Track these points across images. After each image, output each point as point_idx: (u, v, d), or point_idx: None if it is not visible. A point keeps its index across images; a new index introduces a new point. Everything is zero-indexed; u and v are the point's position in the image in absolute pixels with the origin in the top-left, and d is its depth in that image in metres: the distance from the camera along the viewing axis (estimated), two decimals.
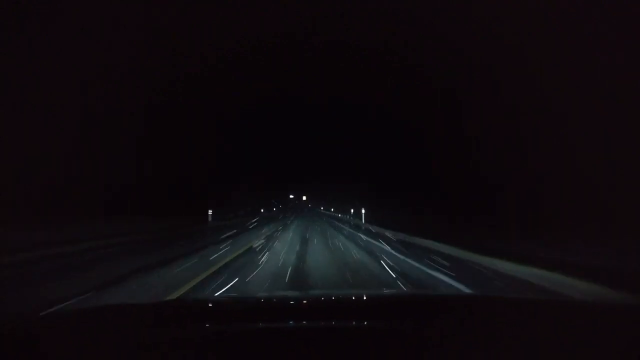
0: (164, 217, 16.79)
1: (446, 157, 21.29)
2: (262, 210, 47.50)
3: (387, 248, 10.08)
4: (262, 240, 11.62)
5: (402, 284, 5.14)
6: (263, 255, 8.07)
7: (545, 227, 10.86)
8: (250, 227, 19.96)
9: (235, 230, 15.95)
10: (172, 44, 20.41)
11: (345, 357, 0.88)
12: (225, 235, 13.17)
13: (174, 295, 4.16)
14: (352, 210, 30.80)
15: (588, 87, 12.46)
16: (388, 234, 14.70)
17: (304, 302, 1.58)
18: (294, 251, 8.94)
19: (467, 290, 4.69)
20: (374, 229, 18.47)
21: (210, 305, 1.50)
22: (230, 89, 35.91)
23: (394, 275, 5.74)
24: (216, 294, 4.33)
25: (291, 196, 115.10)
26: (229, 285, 4.89)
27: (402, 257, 8.13)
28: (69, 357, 0.87)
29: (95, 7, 14.51)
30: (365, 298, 1.69)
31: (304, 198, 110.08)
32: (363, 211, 25.73)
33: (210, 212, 22.84)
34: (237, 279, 5.27)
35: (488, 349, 0.92)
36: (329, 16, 28.06)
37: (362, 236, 14.59)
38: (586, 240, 7.70)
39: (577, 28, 12.79)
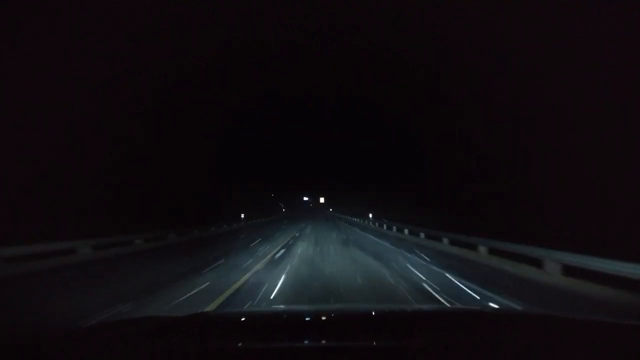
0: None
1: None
2: None
3: None
4: None
5: None
6: None
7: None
8: None
9: None
10: (174, 44, 20.43)
11: None
12: None
13: None
14: None
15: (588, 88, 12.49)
16: None
17: (322, 318, 1.58)
18: None
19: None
20: None
21: (228, 320, 1.52)
22: (243, 87, 35.99)
23: None
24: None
25: (305, 198, 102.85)
26: None
27: None
28: None
29: (96, 7, 14.51)
30: (382, 314, 1.67)
31: (322, 200, 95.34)
32: None
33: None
34: None
35: None
36: (356, 20, 28.13)
37: None
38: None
39: (579, 29, 12.83)
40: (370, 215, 25.96)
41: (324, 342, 1.17)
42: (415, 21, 23.24)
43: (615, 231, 8.73)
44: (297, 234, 16.87)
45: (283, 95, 61.86)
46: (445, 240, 11.33)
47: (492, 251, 8.59)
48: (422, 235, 13.40)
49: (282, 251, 9.89)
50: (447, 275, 6.31)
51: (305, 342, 1.17)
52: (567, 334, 1.17)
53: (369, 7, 26.09)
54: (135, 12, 16.36)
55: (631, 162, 10.73)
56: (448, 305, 4.26)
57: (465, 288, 5.30)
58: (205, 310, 4.11)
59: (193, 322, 1.37)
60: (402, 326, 1.39)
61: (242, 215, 28.27)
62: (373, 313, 1.70)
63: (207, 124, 27.98)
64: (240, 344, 1.11)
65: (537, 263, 6.72)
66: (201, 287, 5.21)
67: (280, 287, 5.30)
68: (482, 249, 8.97)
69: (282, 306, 3.69)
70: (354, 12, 27.90)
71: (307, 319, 1.59)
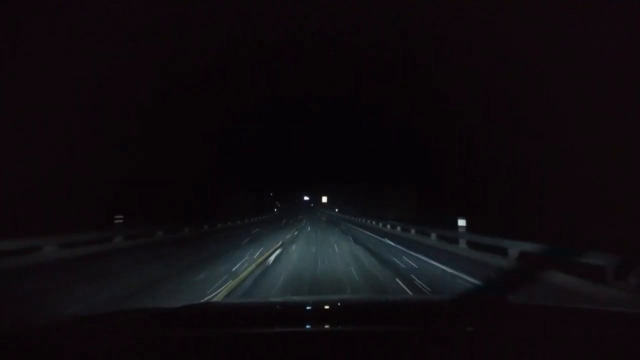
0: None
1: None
2: None
3: None
4: None
5: None
6: None
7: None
8: None
9: None
10: (174, 44, 20.42)
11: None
12: None
13: None
14: None
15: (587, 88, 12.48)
16: None
17: (325, 307, 1.58)
18: None
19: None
20: None
21: (225, 310, 1.51)
22: (243, 87, 36.07)
23: None
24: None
25: (306, 198, 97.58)
26: None
27: None
28: None
29: (96, 6, 14.51)
30: (384, 303, 1.67)
31: (324, 200, 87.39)
32: None
33: None
34: None
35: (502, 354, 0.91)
36: (356, 20, 28.19)
37: None
38: None
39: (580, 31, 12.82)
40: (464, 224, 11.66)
41: (327, 326, 1.16)
42: (415, 21, 23.25)
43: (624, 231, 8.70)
44: None
45: (283, 95, 61.92)
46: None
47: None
48: None
49: None
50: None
51: (305, 327, 1.15)
52: (567, 324, 1.16)
53: (369, 7, 26.10)
54: (135, 12, 16.37)
55: (632, 162, 10.72)
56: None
57: None
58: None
59: (190, 311, 1.37)
60: (403, 314, 1.39)
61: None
62: (374, 302, 1.69)
63: (206, 124, 27.99)
64: (238, 330, 1.10)
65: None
66: None
67: None
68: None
69: (280, 298, 3.66)
70: (354, 12, 27.91)
71: (308, 308, 1.58)
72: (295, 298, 3.01)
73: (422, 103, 26.62)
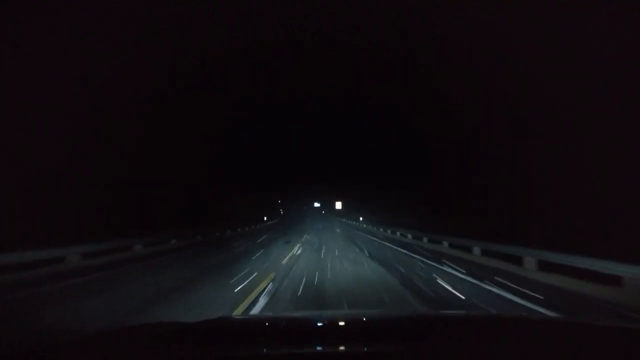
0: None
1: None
2: None
3: None
4: None
5: None
6: None
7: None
8: None
9: None
10: (174, 44, 20.39)
11: None
12: None
13: None
14: None
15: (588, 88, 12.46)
16: None
17: (340, 324, 1.55)
18: None
19: None
20: None
21: (238, 326, 1.49)
22: (242, 88, 36.07)
23: None
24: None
25: (316, 204, 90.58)
26: None
27: None
28: None
29: (96, 6, 14.49)
30: (397, 320, 1.64)
31: (338, 206, 75.59)
32: None
33: None
34: None
35: None
36: (356, 20, 28.15)
37: None
38: None
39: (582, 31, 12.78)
40: None
41: (342, 348, 1.13)
42: (415, 21, 23.24)
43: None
44: None
45: (282, 95, 61.87)
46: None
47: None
48: None
49: None
50: None
51: (322, 347, 1.13)
52: (581, 339, 1.15)
53: (369, 7, 26.11)
54: (135, 12, 16.34)
55: (632, 164, 10.70)
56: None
57: None
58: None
59: (208, 327, 1.34)
60: (418, 331, 1.36)
61: None
62: (391, 319, 1.67)
63: (208, 126, 27.95)
64: (256, 349, 1.09)
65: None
66: None
67: None
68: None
69: (295, 313, 3.63)
70: (354, 12, 27.93)
71: (320, 324, 1.56)
72: (309, 313, 2.95)
73: (420, 103, 26.62)
